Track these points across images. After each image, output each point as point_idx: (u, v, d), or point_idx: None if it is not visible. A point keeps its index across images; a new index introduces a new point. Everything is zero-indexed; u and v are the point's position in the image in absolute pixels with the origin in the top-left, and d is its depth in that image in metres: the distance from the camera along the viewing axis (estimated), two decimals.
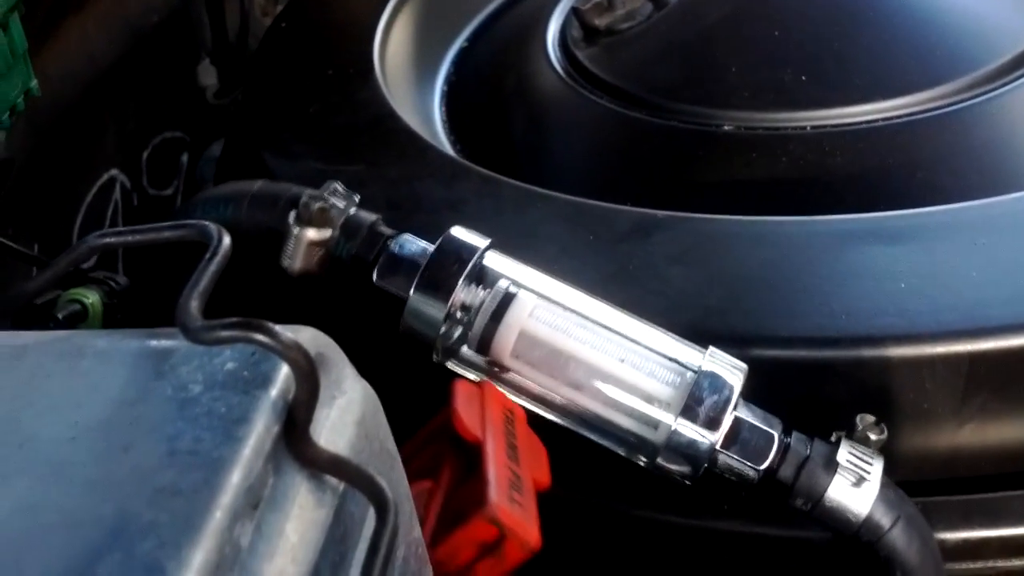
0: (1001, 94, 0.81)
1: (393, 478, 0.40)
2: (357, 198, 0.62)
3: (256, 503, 0.32)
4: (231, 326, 0.32)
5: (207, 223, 0.37)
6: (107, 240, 0.39)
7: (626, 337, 0.58)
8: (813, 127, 0.82)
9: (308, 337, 0.36)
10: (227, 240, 0.37)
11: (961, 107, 0.81)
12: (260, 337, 0.32)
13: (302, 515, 0.33)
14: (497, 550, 0.48)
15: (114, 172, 1.06)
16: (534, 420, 0.58)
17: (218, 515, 0.29)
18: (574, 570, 0.65)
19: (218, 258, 0.36)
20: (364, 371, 0.40)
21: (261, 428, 0.32)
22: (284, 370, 0.34)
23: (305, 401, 0.33)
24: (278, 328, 0.32)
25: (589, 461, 0.60)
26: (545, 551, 0.49)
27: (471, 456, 0.52)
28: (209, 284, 0.35)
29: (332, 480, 0.35)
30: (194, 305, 0.33)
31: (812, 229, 0.68)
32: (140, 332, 0.37)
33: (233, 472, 0.30)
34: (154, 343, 0.36)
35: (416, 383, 0.60)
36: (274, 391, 0.33)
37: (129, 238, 0.38)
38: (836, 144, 0.81)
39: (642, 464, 0.57)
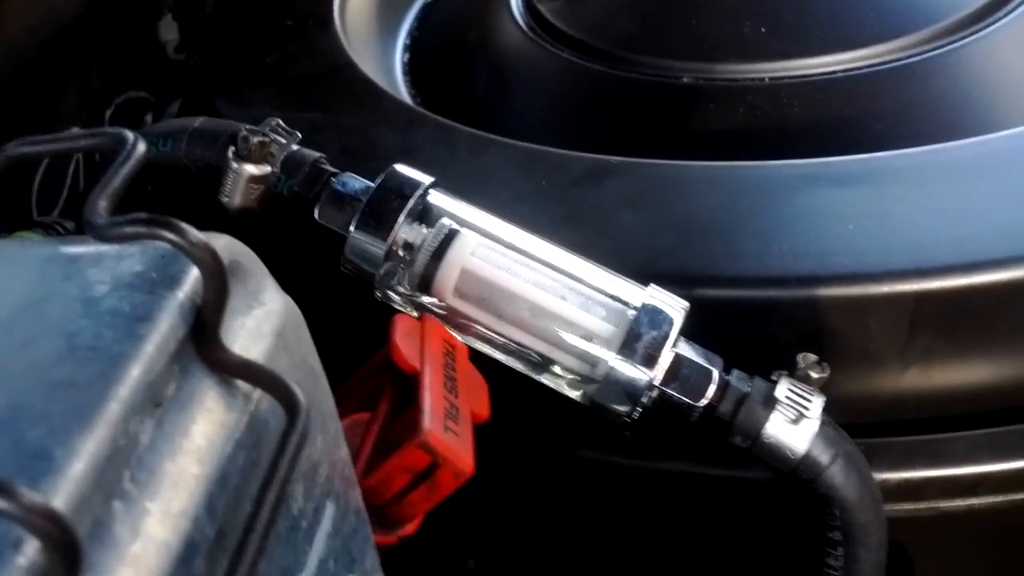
0: (959, 47, 0.81)
1: (316, 393, 0.39)
2: (299, 135, 0.61)
3: (158, 401, 0.31)
4: (138, 222, 0.32)
5: (122, 129, 0.36)
6: (24, 149, 0.38)
7: (568, 275, 0.57)
8: (771, 79, 0.81)
9: (223, 244, 0.36)
10: (142, 146, 0.36)
11: (919, 59, 0.81)
12: (167, 234, 0.31)
13: (210, 418, 0.33)
14: (431, 477, 0.48)
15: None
16: (477, 358, 0.58)
17: (113, 406, 0.29)
18: (519, 512, 0.65)
19: (131, 161, 0.35)
20: (304, 309, 0.39)
21: (165, 327, 0.31)
22: (194, 272, 0.33)
23: (213, 303, 0.33)
24: (188, 228, 0.32)
25: (533, 401, 0.59)
26: (489, 493, 0.49)
27: (409, 388, 0.52)
28: (120, 185, 0.34)
29: (245, 386, 0.35)
30: (102, 204, 0.33)
31: (764, 173, 0.68)
32: (52, 239, 0.36)
33: (132, 367, 0.30)
34: (64, 248, 0.35)
35: (359, 322, 0.59)
36: (181, 292, 0.33)
37: (46, 147, 0.38)
38: (794, 95, 0.80)
39: (581, 401, 0.57)
